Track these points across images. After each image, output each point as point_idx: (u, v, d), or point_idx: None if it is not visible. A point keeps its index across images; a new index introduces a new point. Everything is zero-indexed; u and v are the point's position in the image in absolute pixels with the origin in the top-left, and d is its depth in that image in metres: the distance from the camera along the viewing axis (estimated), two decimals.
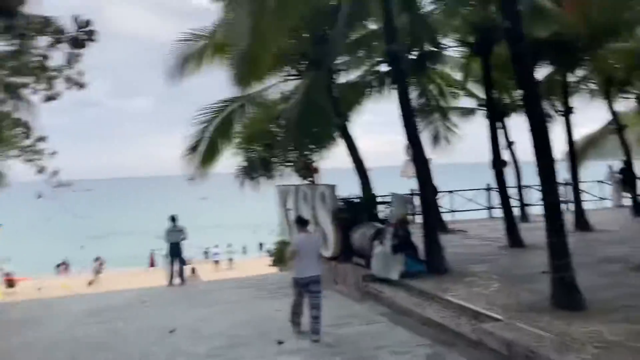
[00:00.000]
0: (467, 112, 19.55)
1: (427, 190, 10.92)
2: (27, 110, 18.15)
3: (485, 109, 15.15)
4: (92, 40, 8.49)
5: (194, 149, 14.47)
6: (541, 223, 8.01)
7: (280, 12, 10.88)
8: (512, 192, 16.42)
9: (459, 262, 10.91)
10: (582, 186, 17.25)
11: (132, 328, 9.71)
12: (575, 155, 15.97)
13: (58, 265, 44.83)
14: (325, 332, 8.13)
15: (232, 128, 14.67)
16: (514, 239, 12.88)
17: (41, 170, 20.20)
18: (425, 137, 17.28)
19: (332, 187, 12.66)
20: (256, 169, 15.22)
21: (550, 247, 7.55)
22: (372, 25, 14.06)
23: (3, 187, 16.94)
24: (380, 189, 14.12)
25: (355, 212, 12.52)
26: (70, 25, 8.52)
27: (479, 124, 18.27)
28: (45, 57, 17.71)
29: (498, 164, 13.55)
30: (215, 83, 15.64)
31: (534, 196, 18.64)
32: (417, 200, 14.52)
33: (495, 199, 18.06)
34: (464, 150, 20.17)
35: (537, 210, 16.95)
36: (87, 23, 8.23)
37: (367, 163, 14.06)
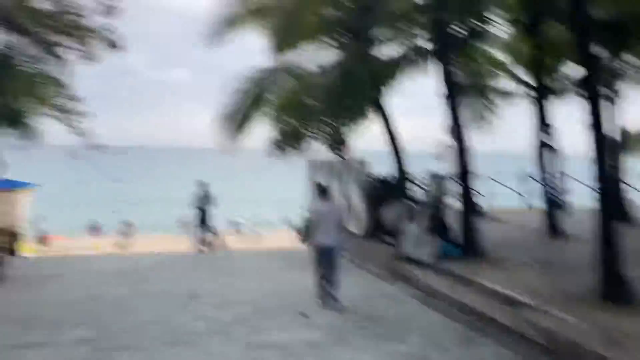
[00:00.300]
0: (507, 95, 18.75)
1: (466, 172, 10.43)
2: (63, 69, 18.29)
3: (532, 90, 14.48)
4: None
5: (228, 116, 14.22)
6: (583, 213, 7.52)
7: None
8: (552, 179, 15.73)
9: (495, 249, 10.44)
10: (628, 177, 16.45)
11: (156, 290, 9.60)
12: (626, 142, 15.19)
13: (90, 227, 45.67)
14: (353, 310, 7.87)
15: (267, 97, 14.34)
16: (555, 228, 12.33)
17: (76, 130, 20.41)
18: (464, 118, 16.68)
19: (364, 163, 12.32)
20: (287, 140, 14.94)
21: (599, 236, 7.06)
22: None
23: (37, 143, 17.02)
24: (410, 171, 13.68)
25: (388, 190, 12.17)
26: None
27: (513, 110, 17.63)
28: (82, 15, 17.76)
29: (542, 148, 12.92)
30: (251, 55, 15.35)
31: (574, 186, 17.90)
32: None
33: (534, 187, 17.40)
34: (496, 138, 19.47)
35: (577, 200, 16.29)
36: None
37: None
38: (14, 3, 15.21)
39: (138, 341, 6.59)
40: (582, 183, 15.38)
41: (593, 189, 7.42)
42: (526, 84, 17.40)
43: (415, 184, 12.40)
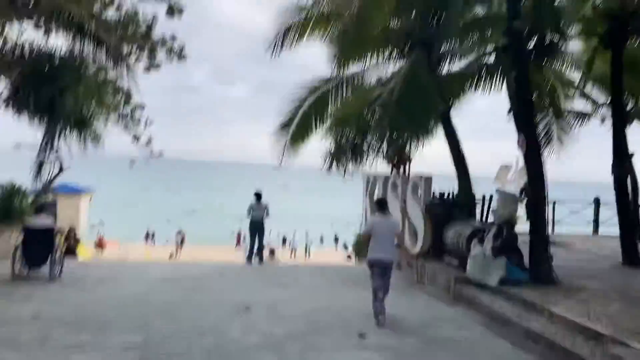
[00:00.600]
0: (582, 116, 17.70)
1: (539, 191, 9.68)
2: (128, 78, 18.73)
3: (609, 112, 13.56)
4: None
5: (285, 126, 13.99)
6: None
7: None
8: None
9: (567, 275, 9.58)
10: None
11: (207, 300, 9.33)
12: None
13: (145, 235, 46.72)
14: (412, 332, 7.33)
15: (326, 109, 14.02)
16: (631, 256, 11.32)
17: (136, 138, 20.84)
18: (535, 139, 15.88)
19: (427, 179, 11.74)
20: (345, 153, 14.56)
21: None
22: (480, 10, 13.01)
23: (99, 148, 17.36)
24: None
25: (450, 209, 11.52)
26: None
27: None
28: (150, 26, 18.16)
29: (620, 170, 11.97)
30: (311, 69, 15.12)
31: None
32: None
33: (606, 214, 16.26)
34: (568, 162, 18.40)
35: None
36: None
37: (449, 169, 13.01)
38: (86, 12, 15.67)
39: (187, 351, 6.28)
40: None
41: None
42: (602, 105, 16.45)
43: (481, 204, 11.72)
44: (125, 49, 17.76)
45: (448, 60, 13.74)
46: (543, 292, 8.53)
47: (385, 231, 8.07)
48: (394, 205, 12.76)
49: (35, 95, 15.29)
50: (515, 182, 15.69)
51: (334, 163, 15.10)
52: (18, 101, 16.18)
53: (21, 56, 16.39)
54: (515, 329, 7.42)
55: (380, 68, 13.94)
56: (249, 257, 14.92)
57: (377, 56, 13.36)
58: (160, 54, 19.20)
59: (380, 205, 8.55)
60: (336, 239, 49.19)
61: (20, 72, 15.92)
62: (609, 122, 17.56)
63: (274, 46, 12.86)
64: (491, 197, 12.38)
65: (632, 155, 16.34)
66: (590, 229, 19.25)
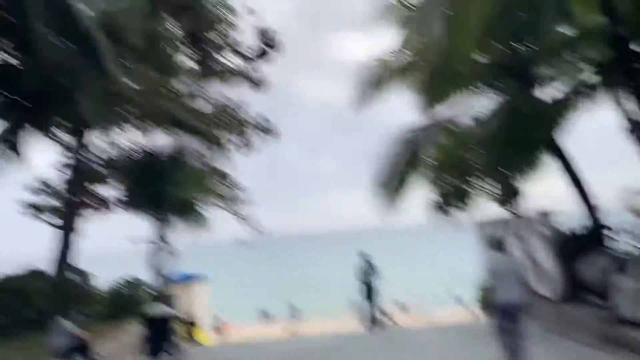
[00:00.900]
0: None
1: None
2: (227, 161, 19.53)
3: None
4: (276, 49, 8.08)
5: (383, 182, 13.53)
6: None
7: (473, 18, 9.66)
8: None
9: None
10: None
11: None
12: None
13: (260, 315, 47.13)
14: None
15: (423, 157, 13.48)
16: None
17: (242, 218, 21.39)
18: None
19: (547, 214, 10.68)
20: (450, 201, 13.84)
21: None
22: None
23: (206, 232, 17.88)
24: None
25: (583, 243, 10.30)
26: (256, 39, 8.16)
27: None
28: (239, 108, 18.98)
29: None
30: (399, 118, 14.84)
31: None
32: None
33: None
34: None
35: None
36: (273, 34, 7.83)
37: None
38: (183, 109, 16.71)
39: None
40: None
41: None
42: None
43: (617, 232, 10.39)
44: (222, 135, 18.71)
45: (544, 86, 12.87)
46: None
47: (508, 271, 7.48)
48: (516, 248, 11.71)
49: (143, 191, 16.23)
50: None
51: (440, 213, 14.39)
52: (130, 201, 17.31)
53: (129, 158, 17.71)
54: None
55: (475, 106, 13.33)
56: (367, 323, 14.20)
57: (469, 94, 12.79)
58: (254, 134, 20.10)
59: (497, 245, 7.98)
60: (454, 297, 46.74)
61: (130, 174, 17.14)
62: None
63: (360, 102, 12.74)
64: (622, 224, 11.03)
65: None
66: None
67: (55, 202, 16.86)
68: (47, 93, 12.84)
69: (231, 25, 9.12)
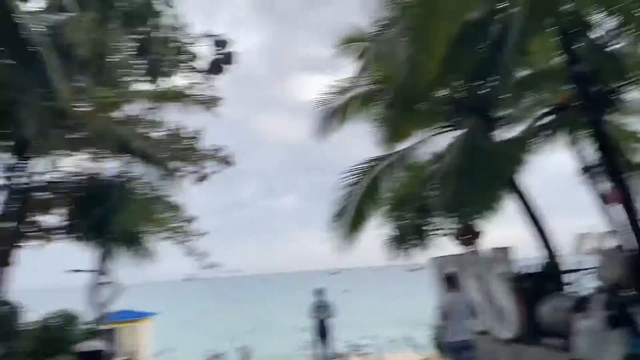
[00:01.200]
0: None
1: None
2: (179, 192, 18.70)
3: None
4: (230, 62, 7.61)
5: (339, 215, 13.12)
6: None
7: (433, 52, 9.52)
8: None
9: None
10: None
11: None
12: None
13: (210, 357, 45.21)
14: None
15: (381, 191, 13.17)
16: None
17: (191, 251, 20.42)
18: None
19: (505, 250, 10.43)
20: (408, 237, 13.50)
21: None
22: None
23: (152, 265, 16.92)
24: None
25: (541, 282, 10.06)
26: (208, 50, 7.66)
27: None
28: (195, 137, 18.34)
29: None
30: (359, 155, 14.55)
31: None
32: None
33: None
34: None
35: None
36: (225, 43, 7.35)
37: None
38: (132, 133, 15.97)
39: None
40: None
41: None
42: None
43: (576, 270, 10.23)
44: (174, 163, 17.93)
45: (505, 125, 12.90)
46: None
47: (460, 309, 7.61)
48: (472, 287, 11.39)
49: (86, 219, 15.23)
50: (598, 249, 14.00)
51: (398, 250, 14.02)
52: (71, 228, 16.21)
53: (72, 183, 16.70)
54: None
55: (434, 142, 13.21)
56: None
57: (428, 129, 12.67)
58: (208, 165, 19.40)
59: (451, 281, 8.08)
60: (408, 340, 46.11)
61: (72, 198, 16.10)
62: None
63: (319, 131, 12.40)
64: (579, 265, 10.92)
65: None
66: None
67: None
68: None
69: (185, 37, 8.67)
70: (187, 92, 11.35)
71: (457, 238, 12.73)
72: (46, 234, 18.09)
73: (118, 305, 17.27)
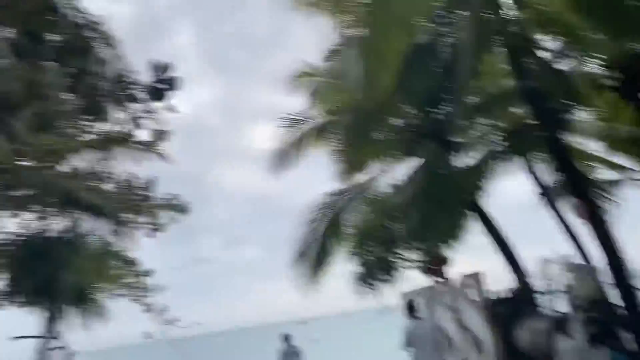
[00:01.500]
0: (612, 185, 16.31)
1: (617, 257, 8.06)
2: (133, 246, 17.72)
3: None
4: (172, 88, 7.13)
5: (303, 254, 12.56)
6: None
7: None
8: None
9: None
10: None
11: None
12: None
13: None
14: None
15: (343, 225, 12.74)
16: None
17: (148, 308, 19.22)
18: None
19: (476, 276, 10.09)
20: (374, 272, 13.02)
21: None
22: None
23: (103, 324, 15.77)
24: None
25: (516, 306, 9.73)
26: (149, 74, 7.15)
27: None
28: (148, 187, 17.57)
29: None
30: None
31: None
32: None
33: None
34: None
35: None
36: (166, 68, 6.88)
37: None
38: (80, 186, 15.12)
39: None
40: None
41: None
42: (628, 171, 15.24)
43: (548, 292, 9.94)
44: (126, 215, 17.03)
45: (462, 150, 12.82)
46: None
47: (423, 337, 7.64)
48: (444, 318, 10.95)
49: (31, 278, 14.13)
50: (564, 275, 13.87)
51: (365, 287, 13.49)
52: (14, 290, 15.01)
53: (14, 244, 15.59)
54: None
55: (393, 172, 12.97)
56: None
57: (386, 158, 12.43)
58: (162, 215, 18.55)
59: (410, 309, 8.07)
60: None
61: (14, 260, 14.98)
62: None
63: (276, 165, 11.99)
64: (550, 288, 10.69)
65: None
66: None
67: None
68: None
69: (121, 65, 8.21)
70: (131, 131, 10.73)
71: (426, 269, 12.36)
72: None
73: None
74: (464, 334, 10.12)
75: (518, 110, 12.30)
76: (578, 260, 10.06)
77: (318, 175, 14.59)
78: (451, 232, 11.56)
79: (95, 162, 15.48)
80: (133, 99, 8.30)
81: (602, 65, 11.43)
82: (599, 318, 7.38)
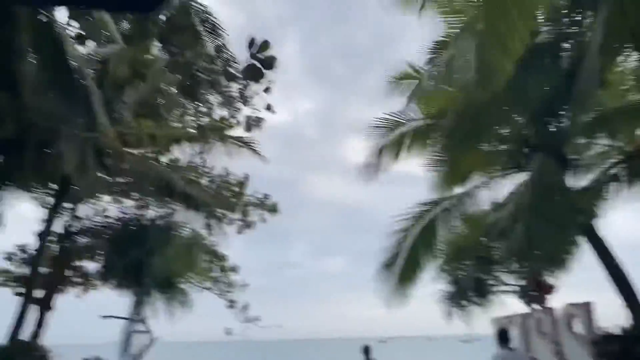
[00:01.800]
0: None
1: None
2: (222, 241, 17.97)
3: None
4: (270, 67, 6.81)
5: (389, 264, 11.87)
6: None
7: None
8: None
9: None
10: None
11: None
12: None
13: None
14: None
15: (435, 239, 11.90)
16: None
17: (231, 304, 19.41)
18: None
19: (585, 306, 8.92)
20: (467, 292, 12.08)
21: None
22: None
23: (186, 313, 15.95)
24: None
25: (627, 345, 8.46)
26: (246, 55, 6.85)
27: None
28: (243, 184, 17.74)
29: None
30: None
31: None
32: None
33: None
34: None
35: None
36: (265, 46, 6.56)
37: None
38: (178, 176, 15.50)
39: None
40: None
41: None
42: None
43: None
44: (219, 210, 17.30)
45: (576, 169, 11.58)
46: None
47: None
48: (542, 350, 9.83)
49: (124, 261, 14.61)
50: None
51: (454, 309, 12.56)
52: (108, 272, 15.64)
53: (112, 227, 16.30)
54: None
55: (494, 187, 11.98)
56: None
57: (490, 170, 11.49)
58: (253, 212, 18.68)
59: (502, 338, 7.48)
60: None
61: (110, 242, 15.62)
62: None
63: (369, 170, 11.44)
64: None
65: None
66: None
67: (28, 272, 15.24)
68: (27, 142, 11.78)
69: (223, 52, 8.11)
70: (229, 117, 10.69)
71: (525, 294, 11.25)
72: (86, 279, 17.67)
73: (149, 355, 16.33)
74: None
75: None
76: None
77: (414, 190, 13.91)
78: (558, 255, 10.34)
79: (194, 154, 15.89)
80: (232, 77, 8.18)
81: None
82: None
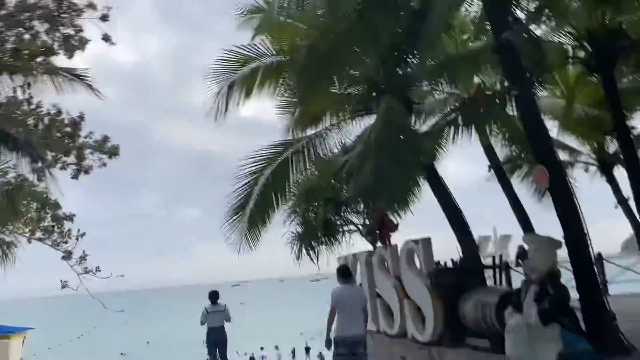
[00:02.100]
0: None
1: (579, 232, 7.54)
2: (52, 186, 16.11)
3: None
4: None
5: (240, 208, 11.50)
6: None
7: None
8: None
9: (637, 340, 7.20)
10: None
11: None
12: None
13: None
14: None
15: (286, 181, 11.74)
16: None
17: (67, 255, 17.73)
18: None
19: (424, 242, 9.39)
20: (315, 233, 12.20)
21: None
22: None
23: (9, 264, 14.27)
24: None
25: (462, 277, 9.11)
26: None
27: None
28: (78, 121, 15.92)
29: None
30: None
31: None
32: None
33: None
34: None
35: None
36: None
37: None
38: (6, 118, 13.35)
39: None
40: None
41: None
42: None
43: (492, 267, 9.44)
44: (49, 152, 15.40)
45: (420, 111, 12.05)
46: None
47: (352, 302, 7.39)
48: (384, 286, 10.29)
49: None
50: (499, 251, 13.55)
51: (303, 249, 12.65)
52: None
53: None
54: None
55: (343, 129, 12.05)
56: None
57: (340, 112, 11.47)
58: (91, 157, 16.97)
59: (343, 273, 7.74)
60: (307, 349, 44.90)
61: None
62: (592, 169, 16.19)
63: (217, 109, 10.76)
64: (501, 257, 10.21)
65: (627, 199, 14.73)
66: None
67: None
68: None
69: None
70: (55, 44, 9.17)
71: (370, 232, 11.64)
72: None
73: None
74: (407, 303, 9.48)
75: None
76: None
77: (269, 137, 13.55)
78: (402, 193, 10.77)
79: (15, 87, 13.79)
80: None
81: (573, 35, 10.91)
82: (553, 293, 6.79)
